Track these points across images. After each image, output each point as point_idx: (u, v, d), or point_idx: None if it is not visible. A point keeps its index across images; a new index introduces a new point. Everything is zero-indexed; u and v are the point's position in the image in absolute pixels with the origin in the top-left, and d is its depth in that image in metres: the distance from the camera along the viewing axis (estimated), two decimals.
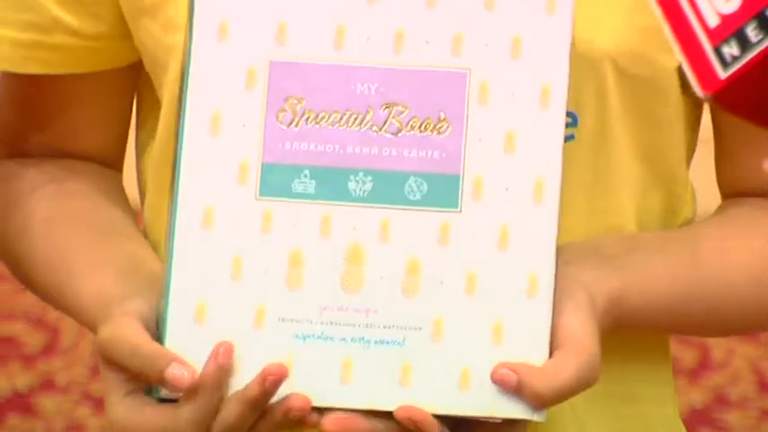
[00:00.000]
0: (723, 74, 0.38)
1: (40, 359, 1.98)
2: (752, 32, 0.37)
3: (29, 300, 1.88)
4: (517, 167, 0.55)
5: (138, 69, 0.67)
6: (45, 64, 0.66)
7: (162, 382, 0.53)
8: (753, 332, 1.54)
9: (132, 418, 0.55)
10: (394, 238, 0.55)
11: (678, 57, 0.40)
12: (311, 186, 0.55)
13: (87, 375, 1.97)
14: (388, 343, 0.54)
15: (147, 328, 0.55)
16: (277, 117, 0.55)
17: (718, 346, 1.98)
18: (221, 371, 0.53)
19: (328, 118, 0.55)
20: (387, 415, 0.54)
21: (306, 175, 0.55)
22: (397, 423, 0.53)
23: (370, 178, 0.55)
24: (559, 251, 0.56)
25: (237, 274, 0.55)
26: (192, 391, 0.53)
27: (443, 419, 0.54)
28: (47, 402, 1.98)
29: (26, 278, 0.69)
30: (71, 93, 0.68)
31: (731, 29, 0.38)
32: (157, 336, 0.55)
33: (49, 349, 1.98)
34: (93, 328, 0.59)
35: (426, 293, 0.54)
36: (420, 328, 0.54)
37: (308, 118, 0.55)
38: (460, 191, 0.55)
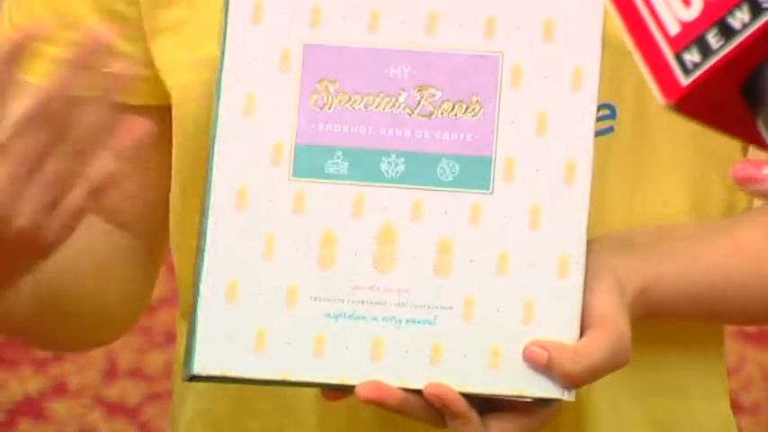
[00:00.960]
0: (684, 81, 0.37)
1: (52, 363, 1.99)
2: (713, 39, 0.37)
3: None
4: (549, 149, 0.56)
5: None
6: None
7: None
8: None
9: None
10: (426, 218, 0.55)
11: (638, 64, 0.40)
12: (344, 167, 0.56)
13: (99, 380, 1.97)
14: (419, 322, 0.55)
15: None
16: (310, 99, 0.56)
17: (730, 352, 1.97)
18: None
19: (361, 100, 0.56)
20: (417, 393, 0.54)
21: (339, 157, 0.56)
22: (427, 401, 0.53)
23: (402, 160, 0.56)
24: (591, 241, 0.56)
25: (270, 253, 0.55)
26: None
27: (473, 399, 0.54)
28: (58, 407, 1.98)
29: None
30: None
31: (692, 36, 0.37)
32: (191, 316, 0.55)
33: (60, 354, 1.98)
34: None
35: (458, 273, 0.55)
36: (451, 308, 0.55)
37: (341, 100, 0.56)
38: (492, 172, 0.55)
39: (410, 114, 0.56)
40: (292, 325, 0.55)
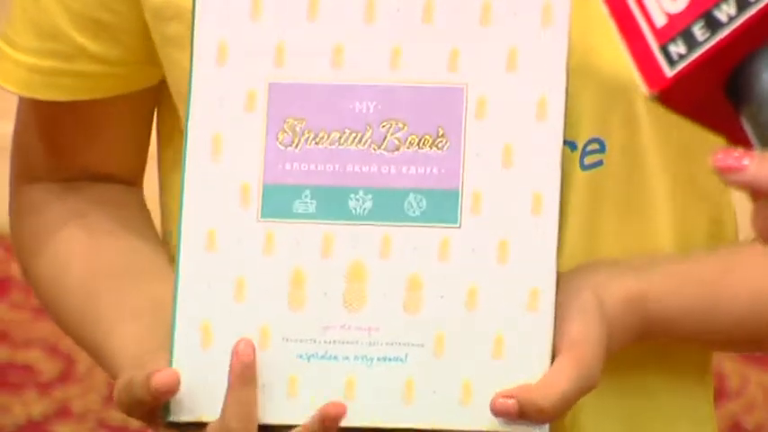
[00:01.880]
0: (669, 72, 0.37)
1: (56, 387, 1.99)
2: (698, 31, 0.37)
3: (45, 327, 1.90)
4: (515, 181, 0.55)
5: (158, 88, 0.68)
6: (67, 90, 0.66)
7: (152, 393, 0.53)
8: None
9: None
10: (395, 254, 0.55)
11: (626, 54, 0.40)
12: (312, 206, 0.56)
13: (102, 403, 1.98)
14: (390, 360, 0.54)
15: None
16: (277, 138, 0.56)
17: (733, 374, 1.97)
18: (245, 366, 0.53)
19: (328, 137, 0.56)
20: None
21: (307, 196, 0.55)
22: None
23: (370, 196, 0.55)
24: (578, 265, 0.57)
25: (240, 295, 0.55)
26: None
27: None
28: (62, 430, 1.99)
29: (58, 319, 0.70)
30: (92, 116, 0.68)
31: (678, 28, 0.38)
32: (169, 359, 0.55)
33: (64, 377, 1.99)
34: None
35: (428, 309, 0.55)
36: (422, 345, 0.54)
37: (307, 138, 0.56)
38: (460, 206, 0.55)
39: (376, 149, 0.56)
40: (265, 367, 0.54)
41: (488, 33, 0.56)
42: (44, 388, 2.00)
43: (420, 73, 0.56)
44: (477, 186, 0.55)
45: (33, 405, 1.99)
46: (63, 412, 1.99)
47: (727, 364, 1.93)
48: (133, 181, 0.72)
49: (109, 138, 0.69)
